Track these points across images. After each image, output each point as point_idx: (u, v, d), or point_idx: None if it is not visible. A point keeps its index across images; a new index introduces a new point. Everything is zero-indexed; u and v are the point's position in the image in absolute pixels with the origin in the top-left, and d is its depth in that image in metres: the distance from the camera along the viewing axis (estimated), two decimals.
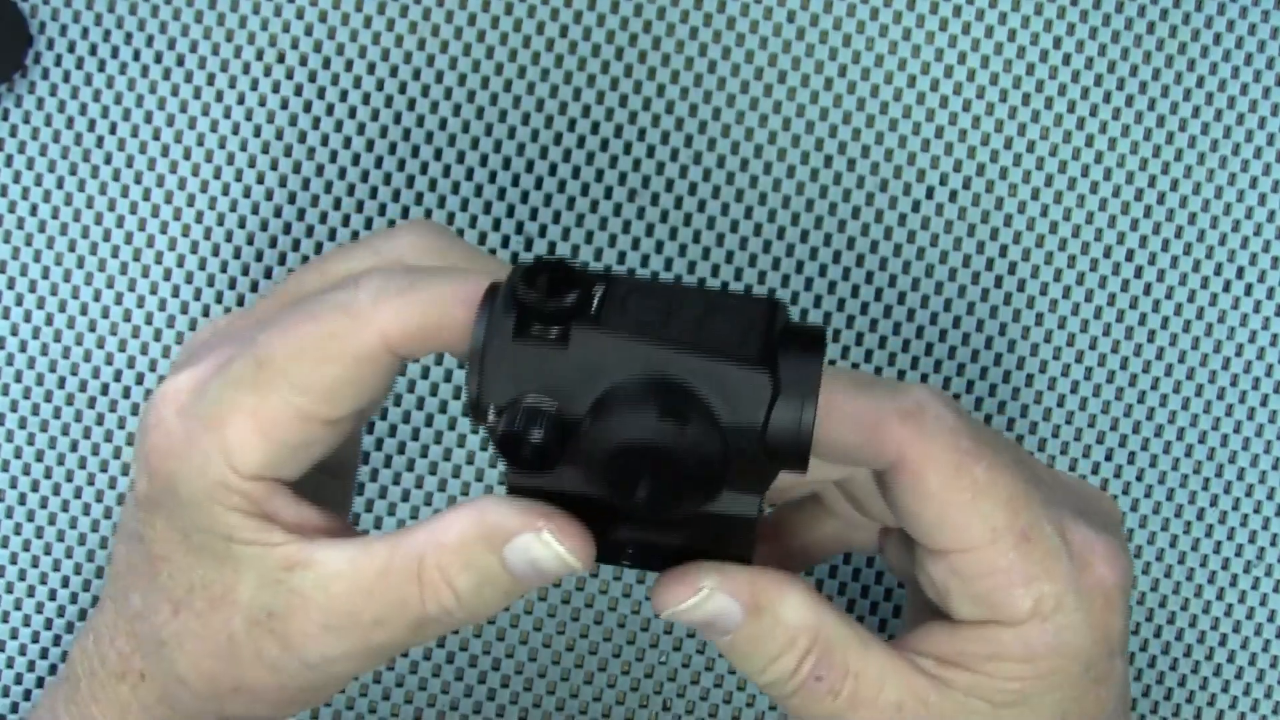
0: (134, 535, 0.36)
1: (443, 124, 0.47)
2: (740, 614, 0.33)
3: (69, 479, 0.47)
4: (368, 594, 0.33)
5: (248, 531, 0.34)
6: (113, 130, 0.47)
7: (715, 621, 0.34)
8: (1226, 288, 0.48)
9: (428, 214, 0.47)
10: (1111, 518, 0.37)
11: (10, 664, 0.48)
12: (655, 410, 0.30)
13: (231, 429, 0.33)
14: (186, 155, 0.47)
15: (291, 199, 0.47)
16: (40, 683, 0.48)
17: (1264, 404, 0.48)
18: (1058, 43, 0.47)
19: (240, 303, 0.47)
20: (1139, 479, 0.48)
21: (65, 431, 0.47)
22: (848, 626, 0.35)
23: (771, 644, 0.34)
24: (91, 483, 0.47)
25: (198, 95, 0.47)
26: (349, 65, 0.47)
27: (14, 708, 0.48)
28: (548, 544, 0.32)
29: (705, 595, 0.33)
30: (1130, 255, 0.47)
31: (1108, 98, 0.47)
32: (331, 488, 0.38)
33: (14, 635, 0.47)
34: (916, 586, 0.38)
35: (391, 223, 0.47)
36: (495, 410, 0.31)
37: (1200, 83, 0.47)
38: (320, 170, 0.47)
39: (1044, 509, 0.34)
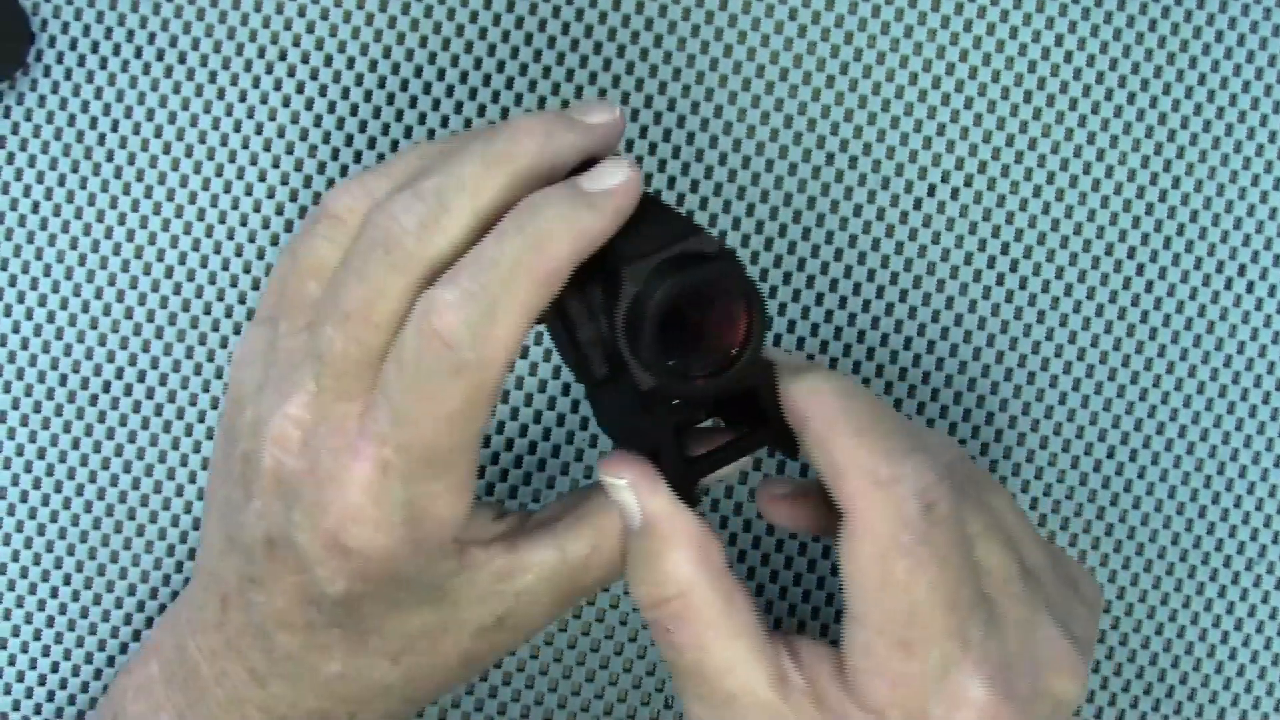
0: (317, 625, 0.36)
1: (444, 121, 0.47)
2: (636, 523, 0.36)
3: (70, 476, 0.47)
4: (584, 568, 0.37)
5: (456, 567, 0.36)
6: (114, 128, 0.47)
7: (622, 510, 0.37)
8: (1227, 285, 0.48)
9: None
10: (1044, 696, 0.36)
11: (12, 661, 0.47)
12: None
13: (440, 510, 0.35)
14: (188, 153, 0.47)
15: (293, 196, 0.47)
16: (41, 680, 0.47)
17: (1265, 401, 0.48)
18: (1059, 40, 0.47)
19: (242, 301, 0.47)
20: (1140, 476, 0.48)
21: (66, 429, 0.47)
22: (725, 609, 0.36)
23: (646, 571, 0.36)
24: (93, 480, 0.47)
25: (199, 93, 0.47)
26: (351, 62, 0.47)
27: (15, 705, 0.48)
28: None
29: (619, 486, 0.36)
30: (1131, 253, 0.48)
31: (1108, 95, 0.47)
32: None
33: (15, 633, 0.47)
34: None
35: None
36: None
37: (1201, 80, 0.47)
38: (322, 167, 0.47)
39: (945, 637, 0.34)
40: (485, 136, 0.35)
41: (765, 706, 0.35)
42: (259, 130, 0.47)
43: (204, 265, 0.47)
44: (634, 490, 0.36)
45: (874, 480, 0.34)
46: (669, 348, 0.34)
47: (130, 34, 0.47)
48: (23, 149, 0.47)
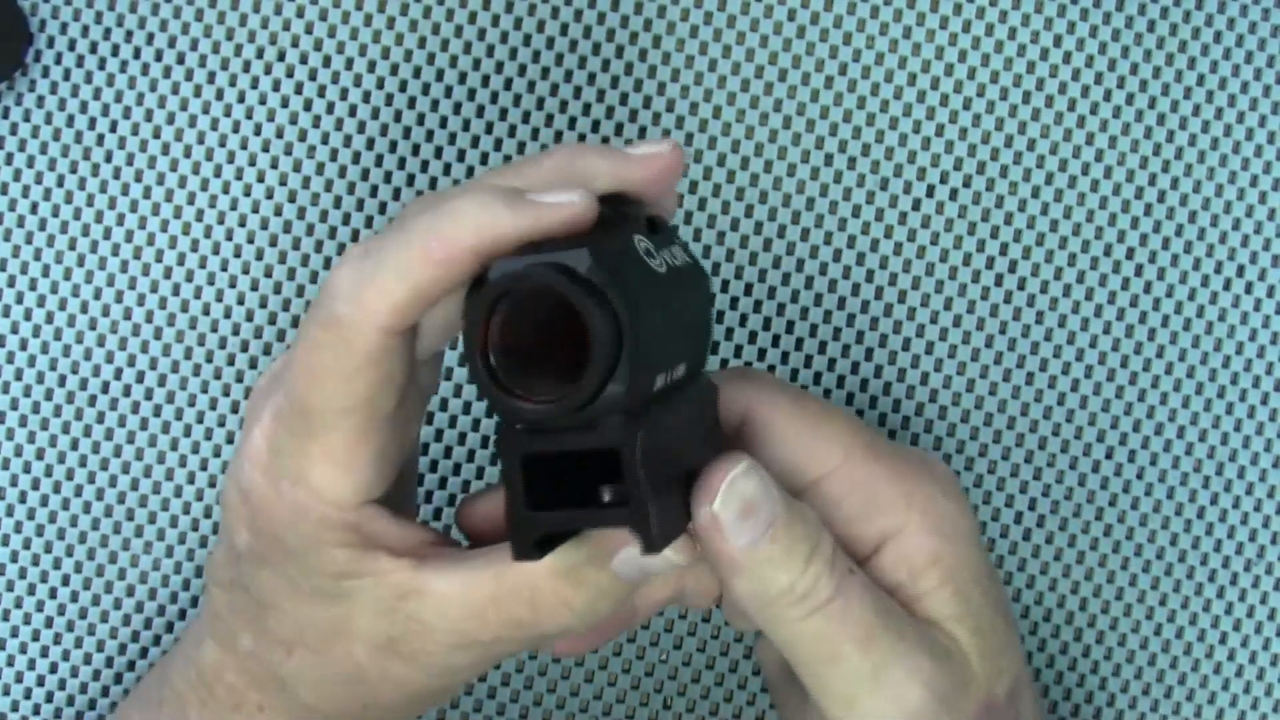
0: (235, 584, 0.37)
1: (443, 122, 0.47)
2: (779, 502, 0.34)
3: (69, 477, 0.47)
4: (483, 619, 0.35)
5: (356, 564, 0.35)
6: (113, 128, 0.47)
7: (757, 504, 0.34)
8: (1226, 286, 0.48)
9: None
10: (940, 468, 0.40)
11: (11, 662, 0.47)
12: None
13: (314, 476, 0.34)
14: (186, 153, 0.47)
15: (291, 197, 0.47)
16: (40, 680, 0.47)
17: (1264, 402, 0.48)
18: (1057, 40, 0.47)
19: (241, 301, 0.47)
20: (1139, 477, 0.48)
21: (65, 430, 0.47)
22: None
23: (809, 530, 0.35)
24: (92, 480, 0.47)
25: (198, 93, 0.47)
26: (349, 63, 0.47)
27: (14, 706, 0.48)
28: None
29: (745, 467, 0.34)
30: (1130, 254, 0.48)
31: (1107, 96, 0.47)
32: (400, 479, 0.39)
33: (14, 634, 0.47)
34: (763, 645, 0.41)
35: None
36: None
37: (1200, 81, 0.47)
38: (320, 169, 0.47)
39: (878, 435, 0.38)
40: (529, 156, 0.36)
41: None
42: (257, 131, 0.47)
43: (203, 265, 0.47)
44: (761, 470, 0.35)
45: (742, 378, 0.38)
46: (514, 366, 0.32)
47: (129, 34, 0.47)
48: (21, 149, 0.47)
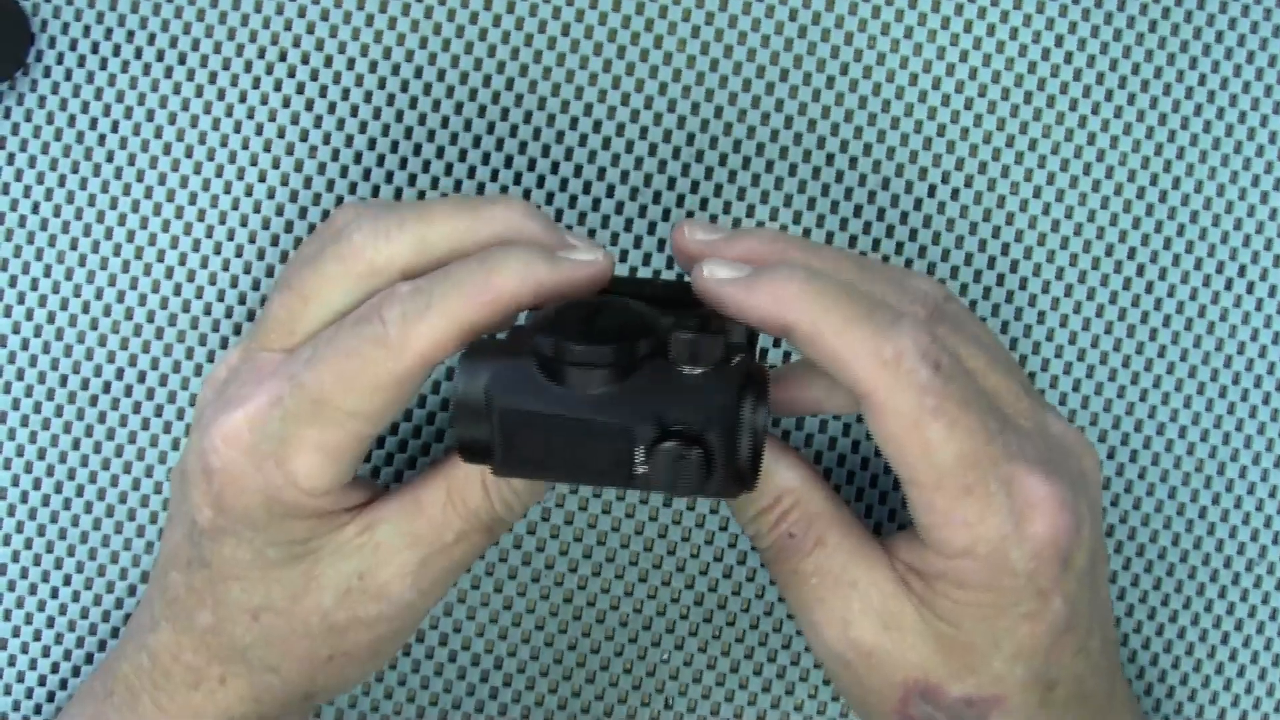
0: (194, 562, 0.39)
1: (444, 122, 0.47)
2: None
3: (71, 477, 0.47)
4: (443, 520, 0.39)
5: (321, 528, 0.38)
6: (114, 128, 0.47)
7: None
8: (1228, 286, 0.48)
9: None
10: (1083, 475, 0.39)
11: (12, 662, 0.47)
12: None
13: (300, 460, 0.37)
14: (188, 153, 0.47)
15: (293, 197, 0.47)
16: (42, 680, 0.48)
17: (1265, 402, 0.48)
18: (1059, 40, 0.47)
19: (242, 301, 0.47)
20: (1141, 478, 0.48)
21: (67, 430, 0.47)
22: (834, 508, 0.39)
23: (760, 497, 0.39)
24: (94, 480, 0.47)
25: (199, 93, 0.47)
26: (350, 63, 0.47)
27: (15, 706, 0.48)
28: None
29: None
30: (1131, 254, 0.48)
31: (1109, 96, 0.47)
32: None
33: (16, 634, 0.47)
34: None
35: None
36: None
37: (1201, 80, 0.47)
38: (322, 168, 0.47)
39: (993, 465, 0.36)
40: (479, 198, 0.40)
41: (886, 586, 0.38)
42: (259, 131, 0.47)
43: (204, 266, 0.47)
44: None
45: (880, 361, 0.35)
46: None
47: (130, 35, 0.47)
48: (23, 149, 0.47)
